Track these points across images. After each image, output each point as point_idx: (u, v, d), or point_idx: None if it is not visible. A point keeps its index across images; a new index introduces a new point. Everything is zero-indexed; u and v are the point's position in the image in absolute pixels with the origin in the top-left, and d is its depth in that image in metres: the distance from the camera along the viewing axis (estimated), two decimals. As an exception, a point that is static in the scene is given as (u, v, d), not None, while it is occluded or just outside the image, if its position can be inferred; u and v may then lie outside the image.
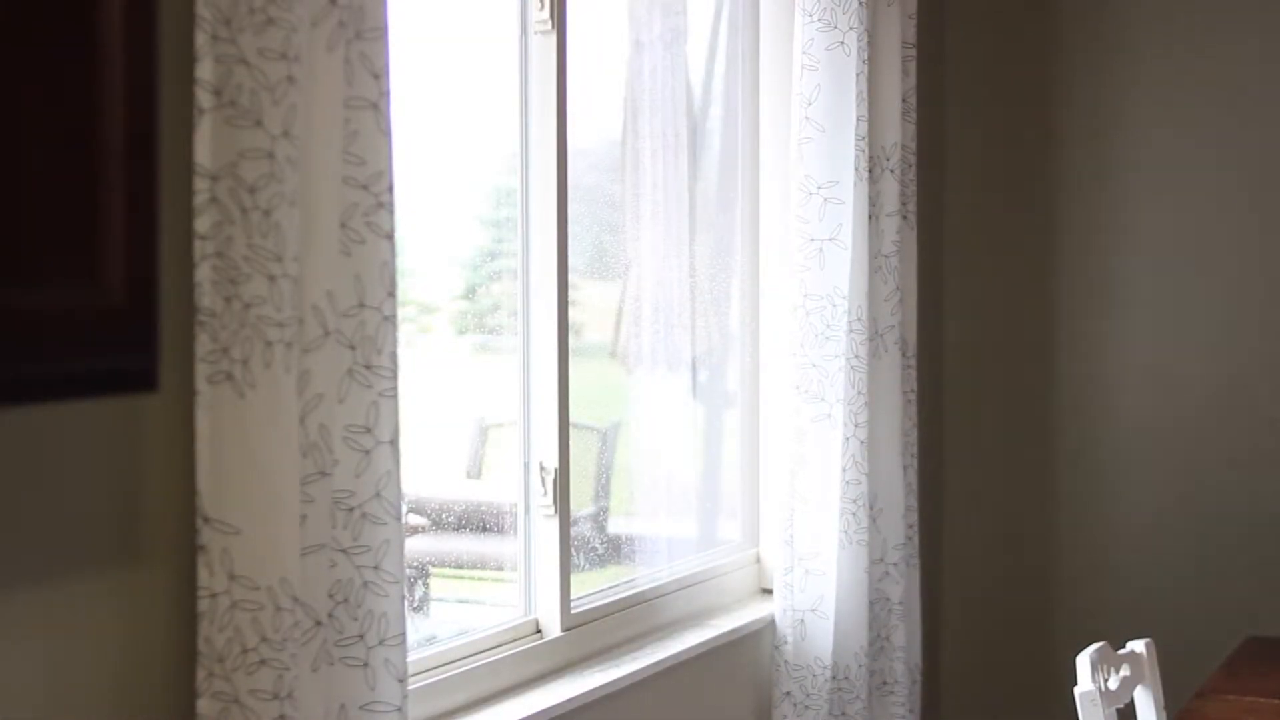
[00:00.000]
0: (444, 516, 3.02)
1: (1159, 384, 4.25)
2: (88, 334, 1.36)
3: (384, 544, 2.14)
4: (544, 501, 2.99)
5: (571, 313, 3.02)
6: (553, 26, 2.97)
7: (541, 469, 2.99)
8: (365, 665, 2.13)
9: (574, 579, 3.07)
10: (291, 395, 1.99)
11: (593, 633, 3.11)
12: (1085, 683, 2.89)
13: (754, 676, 3.51)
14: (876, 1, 3.57)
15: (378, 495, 2.13)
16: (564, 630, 3.02)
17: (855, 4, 3.45)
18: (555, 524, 2.99)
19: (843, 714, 3.49)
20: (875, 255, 3.57)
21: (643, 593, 3.32)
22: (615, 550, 3.44)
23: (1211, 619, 4.09)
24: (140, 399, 1.90)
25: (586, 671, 3.00)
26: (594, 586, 3.23)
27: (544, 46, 2.97)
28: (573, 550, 3.07)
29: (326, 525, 2.09)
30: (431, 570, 3.04)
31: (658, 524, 3.56)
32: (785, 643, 3.46)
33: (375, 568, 2.14)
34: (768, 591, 3.65)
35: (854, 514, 3.48)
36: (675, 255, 3.47)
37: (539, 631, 3.01)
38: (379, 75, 2.10)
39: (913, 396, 3.69)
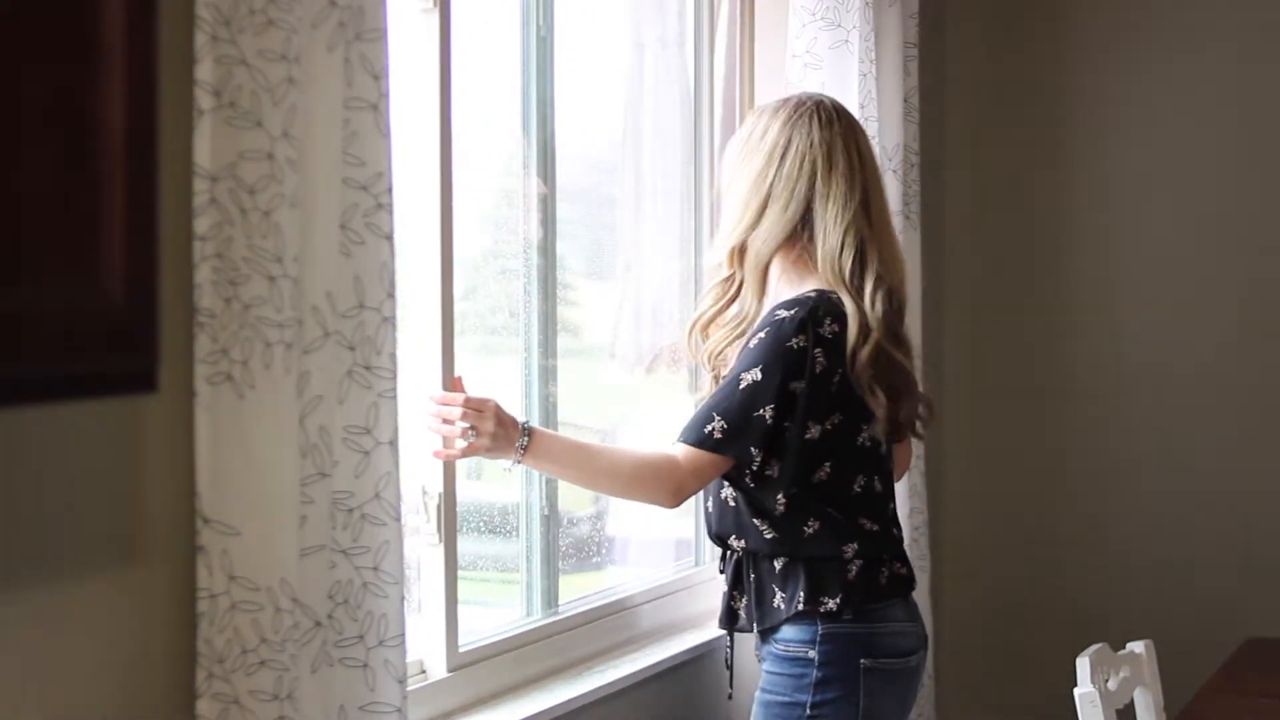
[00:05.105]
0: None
1: (1160, 384, 4.25)
2: (87, 335, 1.36)
3: (383, 545, 2.14)
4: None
5: (572, 313, 3.02)
6: (435, 4, 2.65)
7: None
8: (365, 666, 2.13)
9: (570, 580, 3.06)
10: (291, 396, 2.00)
11: (591, 633, 3.11)
12: (1085, 684, 2.89)
13: (754, 677, 3.50)
14: (879, 1, 3.56)
15: (377, 496, 2.13)
16: (561, 631, 3.02)
17: (858, 4, 3.44)
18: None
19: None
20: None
21: (643, 593, 3.31)
22: (616, 551, 3.43)
23: (1211, 619, 4.09)
24: (140, 400, 1.90)
25: (587, 672, 3.00)
26: (595, 587, 3.23)
27: (427, 26, 2.65)
28: (571, 551, 3.07)
29: (326, 526, 2.08)
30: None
31: (657, 525, 3.55)
32: (785, 642, 3.45)
33: (375, 569, 2.13)
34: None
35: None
36: (675, 255, 3.46)
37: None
38: (378, 76, 2.10)
39: (913, 396, 3.67)
